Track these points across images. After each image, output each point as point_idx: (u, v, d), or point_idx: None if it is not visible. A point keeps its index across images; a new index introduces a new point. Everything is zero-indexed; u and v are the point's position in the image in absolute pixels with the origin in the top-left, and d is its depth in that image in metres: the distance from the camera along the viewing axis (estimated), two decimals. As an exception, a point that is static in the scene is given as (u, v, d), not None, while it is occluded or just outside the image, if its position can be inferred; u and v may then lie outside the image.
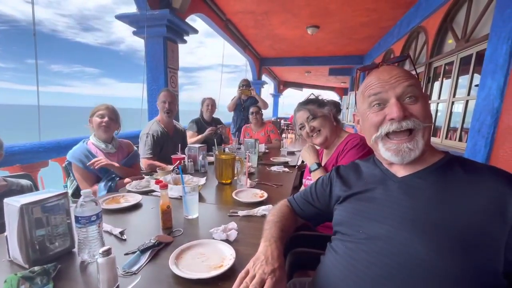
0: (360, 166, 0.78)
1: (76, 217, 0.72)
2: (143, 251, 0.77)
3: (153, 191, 1.36)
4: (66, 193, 0.78)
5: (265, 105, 3.64)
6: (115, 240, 0.86)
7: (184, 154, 1.89)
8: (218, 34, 4.87)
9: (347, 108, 9.22)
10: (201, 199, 1.25)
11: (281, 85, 12.86)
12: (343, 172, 0.79)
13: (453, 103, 3.16)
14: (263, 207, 1.11)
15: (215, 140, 2.03)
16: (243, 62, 7.25)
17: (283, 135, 10.22)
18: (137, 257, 0.75)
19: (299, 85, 13.43)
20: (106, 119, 1.59)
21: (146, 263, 0.73)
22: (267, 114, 11.34)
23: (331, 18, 4.46)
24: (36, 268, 0.65)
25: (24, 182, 1.27)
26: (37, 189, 1.38)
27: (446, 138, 3.26)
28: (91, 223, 0.73)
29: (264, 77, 8.91)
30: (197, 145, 1.86)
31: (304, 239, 1.09)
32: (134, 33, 3.09)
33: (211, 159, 2.01)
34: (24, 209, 0.68)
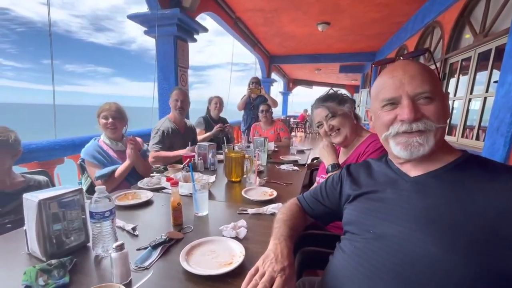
0: (371, 165, 0.77)
1: (91, 213, 0.74)
2: (154, 247, 0.78)
3: (164, 188, 1.38)
4: (81, 189, 0.80)
5: (275, 104, 3.62)
6: (128, 236, 0.88)
7: (194, 152, 1.91)
8: (228, 32, 4.88)
9: (358, 106, 9.07)
10: (210, 196, 1.26)
11: (291, 83, 12.77)
12: (354, 171, 0.78)
13: (470, 100, 3.05)
14: (272, 205, 1.11)
15: (224, 138, 2.04)
16: (253, 60, 7.25)
17: (293, 134, 10.16)
18: (148, 252, 0.76)
19: (309, 83, 13.30)
20: (110, 120, 1.60)
21: (158, 259, 0.74)
22: (277, 112, 11.31)
23: (342, 15, 4.38)
24: (53, 261, 0.67)
25: (41, 178, 1.32)
26: (53, 185, 1.43)
27: (462, 136, 3.15)
28: (105, 218, 0.74)
29: (274, 75, 8.87)
30: (206, 143, 1.87)
31: (314, 238, 1.08)
32: (145, 32, 3.13)
33: (221, 157, 2.02)
34: (42, 204, 0.70)
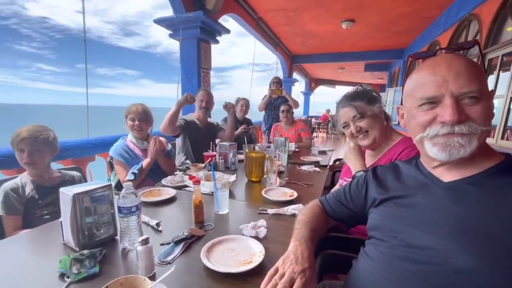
0: (399, 168, 0.72)
1: (119, 207, 0.78)
2: (177, 243, 0.81)
3: (187, 186, 1.42)
4: (110, 185, 0.85)
5: (296, 104, 3.59)
6: (152, 231, 0.92)
7: (215, 151, 1.94)
8: (250, 33, 4.91)
9: (384, 105, 8.71)
10: (231, 195, 1.27)
11: (313, 83, 12.55)
12: (380, 173, 0.74)
13: (511, 98, 2.80)
14: (292, 206, 1.09)
15: (245, 138, 2.06)
16: (274, 60, 7.22)
17: (314, 134, 9.99)
18: (171, 248, 0.79)
19: (331, 82, 13.01)
20: (137, 122, 1.69)
21: (180, 254, 0.76)
22: (298, 112, 11.18)
23: (368, 11, 4.23)
24: (85, 251, 0.71)
25: (75, 173, 1.42)
26: (85, 180, 1.53)
27: (502, 138, 2.90)
28: (132, 213, 0.78)
29: (295, 75, 8.78)
30: (227, 143, 1.90)
31: (335, 241, 1.05)
32: (171, 35, 3.24)
33: (241, 157, 2.04)
34: (76, 198, 0.75)
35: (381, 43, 6.14)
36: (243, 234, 0.87)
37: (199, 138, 2.22)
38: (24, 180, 1.23)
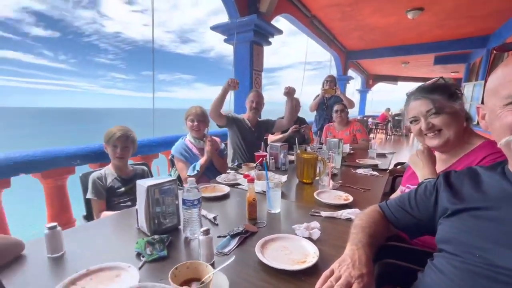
0: (480, 175, 0.62)
1: (183, 200, 0.86)
2: (232, 236, 0.86)
3: (239, 184, 1.49)
4: (175, 180, 0.95)
5: (351, 104, 3.39)
6: (209, 224, 0.99)
7: (266, 151, 1.98)
8: (302, 31, 4.83)
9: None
10: (282, 195, 1.28)
11: (370, 80, 11.60)
12: (455, 180, 0.65)
13: None
14: (348, 210, 1.05)
15: (296, 139, 2.05)
16: (327, 58, 6.96)
17: (371, 135, 9.27)
18: (227, 240, 0.84)
19: (393, 79, 11.85)
20: (195, 123, 1.86)
21: (235, 247, 0.81)
22: (352, 112, 10.49)
23: (440, -4, 3.73)
24: (155, 236, 0.82)
25: (144, 168, 1.64)
26: (151, 174, 1.74)
27: None
28: (194, 206, 0.86)
29: (350, 72, 8.26)
30: (278, 144, 1.91)
31: (395, 252, 0.96)
32: (225, 40, 3.41)
33: (291, 157, 2.03)
34: (149, 190, 0.87)
35: (456, 31, 5.32)
36: (296, 234, 0.87)
37: (247, 137, 2.29)
38: (106, 171, 1.47)
